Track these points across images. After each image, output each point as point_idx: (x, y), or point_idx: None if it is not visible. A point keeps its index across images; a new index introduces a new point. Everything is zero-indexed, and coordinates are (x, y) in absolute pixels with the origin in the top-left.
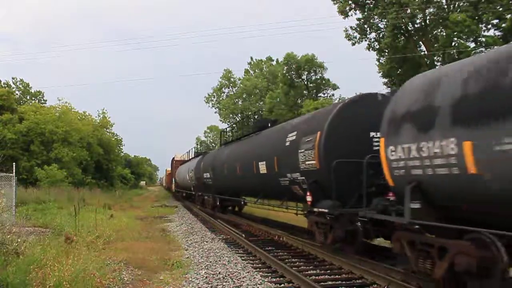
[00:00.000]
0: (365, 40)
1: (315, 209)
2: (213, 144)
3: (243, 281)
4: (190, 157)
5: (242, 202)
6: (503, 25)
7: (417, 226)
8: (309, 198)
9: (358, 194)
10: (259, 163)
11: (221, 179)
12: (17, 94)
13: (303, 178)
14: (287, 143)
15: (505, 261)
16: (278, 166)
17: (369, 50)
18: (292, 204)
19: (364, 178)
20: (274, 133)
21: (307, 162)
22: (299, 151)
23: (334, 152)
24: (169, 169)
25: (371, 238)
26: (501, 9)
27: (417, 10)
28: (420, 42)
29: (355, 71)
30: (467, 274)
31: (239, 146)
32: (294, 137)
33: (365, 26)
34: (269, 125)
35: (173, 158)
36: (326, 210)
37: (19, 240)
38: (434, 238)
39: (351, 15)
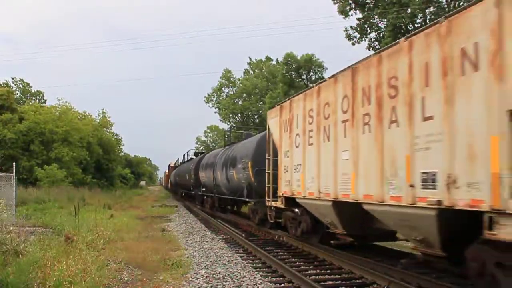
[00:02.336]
0: (365, 40)
1: (246, 199)
2: (213, 144)
3: (243, 281)
4: (180, 163)
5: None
6: None
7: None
8: (245, 194)
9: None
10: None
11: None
12: (17, 94)
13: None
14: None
15: None
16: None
17: (369, 50)
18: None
19: (266, 181)
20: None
21: (244, 173)
22: (239, 165)
23: (255, 166)
24: (167, 171)
25: (274, 218)
26: None
27: (417, 10)
28: None
29: None
30: None
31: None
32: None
33: (365, 26)
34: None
35: (169, 164)
36: (252, 200)
37: (18, 239)
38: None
39: (351, 15)
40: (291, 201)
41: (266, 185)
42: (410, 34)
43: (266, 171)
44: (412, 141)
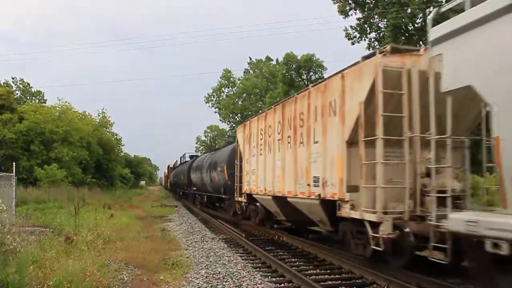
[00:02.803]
0: (365, 40)
1: (223, 196)
2: (213, 144)
3: (243, 281)
4: (178, 164)
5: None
6: None
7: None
8: (222, 191)
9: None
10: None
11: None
12: (17, 94)
13: (222, 182)
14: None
15: None
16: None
17: (369, 50)
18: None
19: (235, 181)
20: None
21: (222, 175)
22: (218, 169)
23: (229, 169)
24: (166, 172)
25: (241, 210)
26: None
27: (417, 10)
28: (421, 42)
29: None
30: None
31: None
32: (214, 160)
33: (365, 25)
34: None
35: (168, 165)
36: (226, 197)
37: (18, 239)
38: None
39: (351, 15)
40: (251, 197)
41: (235, 184)
42: (314, 84)
43: (235, 174)
44: (309, 156)
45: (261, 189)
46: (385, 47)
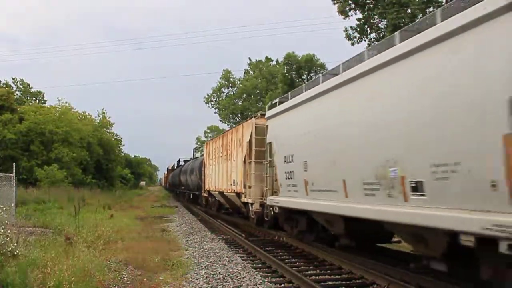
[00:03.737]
0: (365, 40)
1: (197, 193)
2: None
3: (243, 281)
4: (175, 167)
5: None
6: None
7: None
8: (197, 189)
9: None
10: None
11: (177, 180)
12: (17, 94)
13: (197, 182)
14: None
15: None
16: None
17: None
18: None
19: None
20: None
21: (197, 177)
22: (195, 172)
23: (200, 173)
24: (166, 173)
25: (206, 202)
26: None
27: (417, 10)
28: None
29: None
30: None
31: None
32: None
33: (365, 26)
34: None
35: (167, 167)
36: (199, 193)
37: (18, 239)
38: None
39: (351, 15)
40: (209, 193)
41: (202, 184)
42: (235, 126)
43: (202, 177)
44: (231, 168)
45: (214, 187)
46: (257, 114)
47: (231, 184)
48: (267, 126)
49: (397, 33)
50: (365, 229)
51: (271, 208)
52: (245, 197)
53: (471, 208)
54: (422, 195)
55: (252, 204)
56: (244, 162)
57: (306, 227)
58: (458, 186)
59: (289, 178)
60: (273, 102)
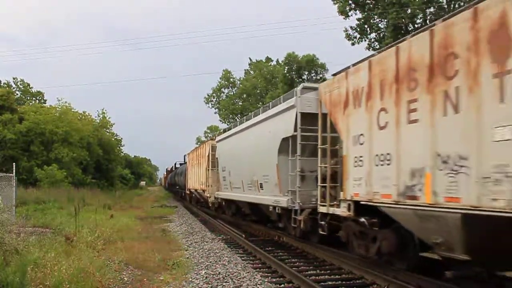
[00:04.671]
0: (366, 40)
1: (185, 191)
2: None
3: (243, 281)
4: (173, 169)
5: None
6: None
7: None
8: (184, 187)
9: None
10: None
11: (173, 181)
12: (17, 94)
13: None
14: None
15: None
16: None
17: (369, 50)
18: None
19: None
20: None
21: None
22: (183, 174)
23: (184, 176)
24: (165, 174)
25: (188, 197)
26: None
27: (418, 10)
28: None
29: None
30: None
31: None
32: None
33: (365, 26)
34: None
35: (167, 168)
36: (184, 191)
37: (18, 239)
38: None
39: (351, 15)
40: (190, 190)
41: (186, 183)
42: (200, 144)
43: (186, 178)
44: (201, 173)
45: (192, 186)
46: (214, 137)
47: (201, 184)
48: (216, 146)
49: (261, 108)
50: (257, 209)
51: (218, 199)
52: (208, 193)
53: (272, 195)
54: (262, 189)
55: (209, 197)
56: (207, 169)
57: (235, 210)
58: (269, 185)
59: (224, 180)
60: (220, 131)
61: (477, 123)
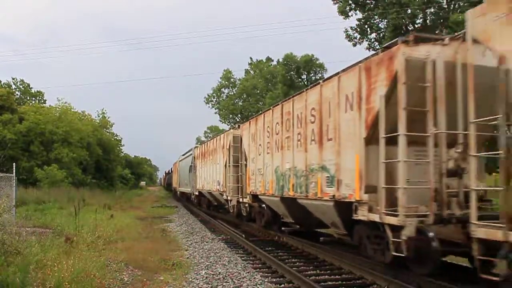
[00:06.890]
0: (366, 41)
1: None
2: None
3: (243, 281)
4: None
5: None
6: None
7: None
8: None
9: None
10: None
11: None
12: (17, 94)
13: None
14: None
15: None
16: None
17: (369, 51)
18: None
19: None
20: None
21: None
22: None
23: (171, 177)
24: (165, 175)
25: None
26: None
27: (418, 10)
28: None
29: None
30: None
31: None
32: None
33: (366, 26)
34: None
35: (165, 171)
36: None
37: (20, 240)
38: None
39: (351, 15)
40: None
41: (174, 183)
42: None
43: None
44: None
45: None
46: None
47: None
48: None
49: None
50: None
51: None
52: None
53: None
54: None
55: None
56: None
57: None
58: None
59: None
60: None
61: None
